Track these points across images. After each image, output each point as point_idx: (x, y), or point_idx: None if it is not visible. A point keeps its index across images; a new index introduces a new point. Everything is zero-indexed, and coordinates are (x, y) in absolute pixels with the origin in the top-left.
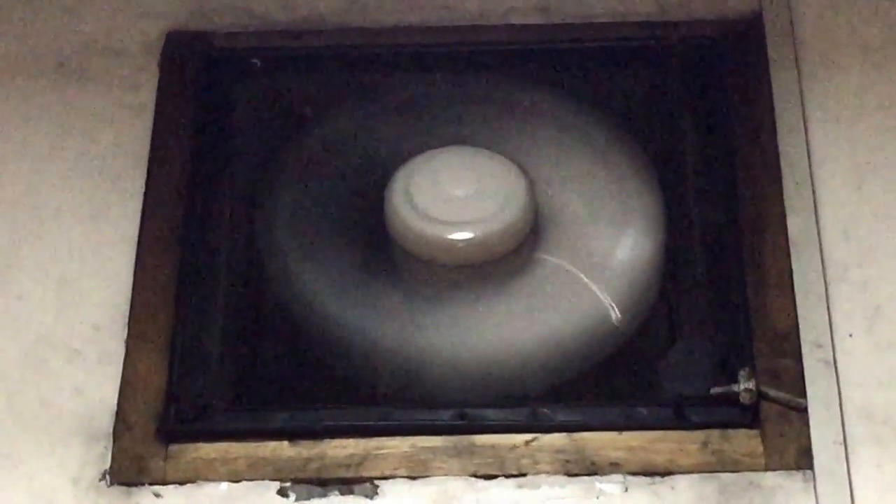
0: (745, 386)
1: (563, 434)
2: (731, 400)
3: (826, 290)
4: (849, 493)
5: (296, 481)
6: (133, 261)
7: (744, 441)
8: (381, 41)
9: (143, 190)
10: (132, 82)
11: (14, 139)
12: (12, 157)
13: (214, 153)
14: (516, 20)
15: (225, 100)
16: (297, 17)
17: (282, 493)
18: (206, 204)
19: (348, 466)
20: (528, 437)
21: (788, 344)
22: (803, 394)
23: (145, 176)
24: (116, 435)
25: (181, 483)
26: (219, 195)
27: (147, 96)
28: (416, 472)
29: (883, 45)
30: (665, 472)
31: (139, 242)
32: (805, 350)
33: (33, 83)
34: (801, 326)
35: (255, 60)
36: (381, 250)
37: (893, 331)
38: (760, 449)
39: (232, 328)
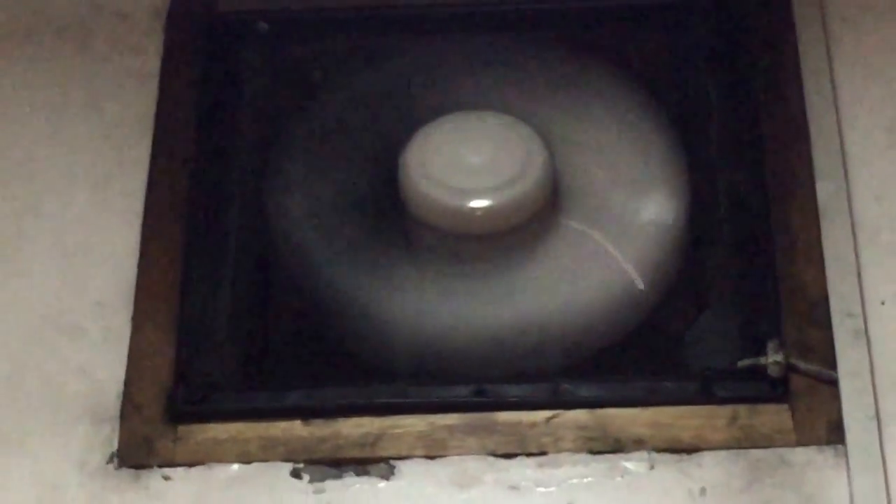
0: (773, 358)
1: (586, 410)
2: (760, 373)
3: (857, 256)
4: (882, 468)
5: (309, 462)
6: (139, 234)
7: (773, 416)
8: (394, 2)
9: (148, 160)
10: (136, 47)
11: (13, 108)
12: (12, 128)
13: (221, 122)
14: None
15: (232, 65)
16: None
17: (295, 474)
18: (213, 174)
19: (363, 446)
20: (549, 413)
21: (818, 313)
22: (834, 366)
23: (150, 145)
24: (123, 416)
25: (191, 465)
26: (226, 165)
27: (152, 62)
28: (434, 451)
29: None
30: (692, 449)
31: (145, 215)
32: (835, 320)
33: (33, 50)
34: (831, 295)
35: (261, 24)
36: (395, 221)
37: None
38: (790, 424)
39: (242, 303)
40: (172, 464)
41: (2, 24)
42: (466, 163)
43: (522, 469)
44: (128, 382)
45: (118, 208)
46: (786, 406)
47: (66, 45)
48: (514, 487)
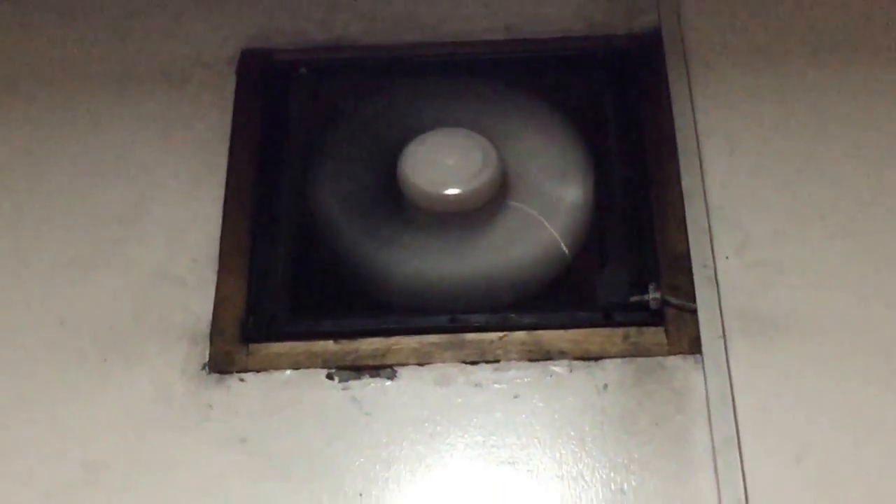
0: (653, 296)
1: (526, 332)
2: (644, 306)
3: (709, 226)
4: (727, 371)
5: (339, 368)
6: (221, 213)
7: (653, 335)
8: (393, 54)
9: (226, 163)
10: (216, 86)
11: (132, 128)
12: (132, 141)
13: (276, 136)
14: (487, 37)
15: (283, 98)
16: (333, 37)
17: (329, 377)
18: (271, 171)
19: (375, 357)
20: (501, 334)
21: (683, 265)
22: (694, 300)
23: (228, 153)
24: (212, 338)
25: (258, 371)
26: (280, 166)
27: (228, 96)
28: (423, 360)
29: (748, 53)
30: (598, 358)
31: (225, 200)
32: (695, 269)
33: (146, 88)
34: (692, 252)
35: (302, 69)
36: (396, 203)
37: (756, 253)
38: (665, 340)
39: (292, 261)
40: (246, 370)
41: (121, 71)
42: (444, 163)
43: (484, 372)
44: (215, 315)
45: (206, 196)
46: (662, 328)
47: (167, 85)
48: (478, 385)
